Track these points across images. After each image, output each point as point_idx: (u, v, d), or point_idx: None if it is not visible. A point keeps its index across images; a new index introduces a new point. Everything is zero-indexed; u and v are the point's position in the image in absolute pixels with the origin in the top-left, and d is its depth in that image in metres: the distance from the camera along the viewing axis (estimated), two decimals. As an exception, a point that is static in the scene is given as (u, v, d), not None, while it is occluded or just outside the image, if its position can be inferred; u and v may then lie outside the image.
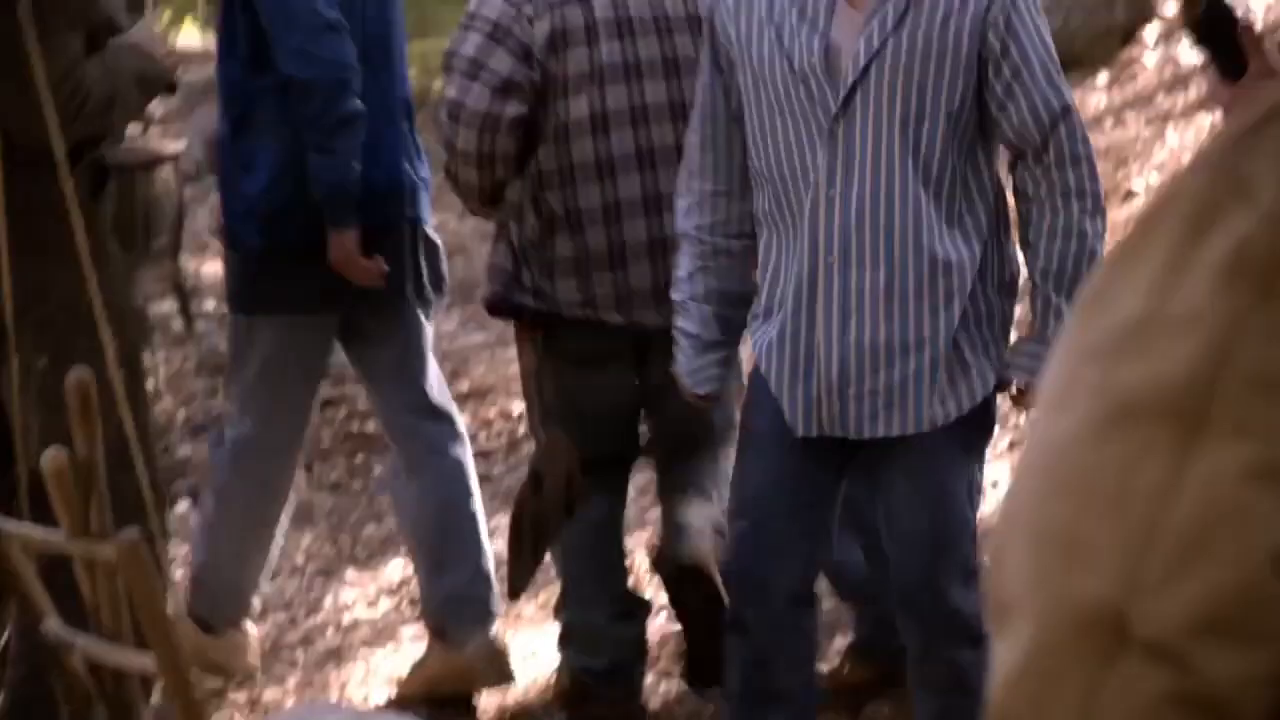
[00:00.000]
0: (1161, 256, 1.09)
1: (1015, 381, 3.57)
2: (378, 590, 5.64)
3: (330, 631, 5.43)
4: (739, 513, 3.66)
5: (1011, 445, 5.65)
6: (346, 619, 5.52)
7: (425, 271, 4.63)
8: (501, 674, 4.61)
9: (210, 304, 7.88)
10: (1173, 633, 1.04)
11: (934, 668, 3.61)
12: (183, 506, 6.23)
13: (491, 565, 4.67)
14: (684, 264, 3.73)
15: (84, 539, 3.08)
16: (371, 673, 5.13)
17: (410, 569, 5.54)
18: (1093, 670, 1.06)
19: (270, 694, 5.04)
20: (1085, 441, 1.08)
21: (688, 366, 3.74)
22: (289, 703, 4.94)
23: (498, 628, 4.67)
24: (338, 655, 5.27)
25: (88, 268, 3.16)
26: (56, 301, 3.68)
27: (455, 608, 4.61)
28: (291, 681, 5.11)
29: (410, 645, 5.17)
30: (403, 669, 5.07)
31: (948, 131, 3.45)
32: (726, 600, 3.71)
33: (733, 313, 3.72)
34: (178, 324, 7.67)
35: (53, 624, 3.22)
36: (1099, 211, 3.53)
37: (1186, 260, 1.08)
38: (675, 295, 3.75)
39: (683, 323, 3.73)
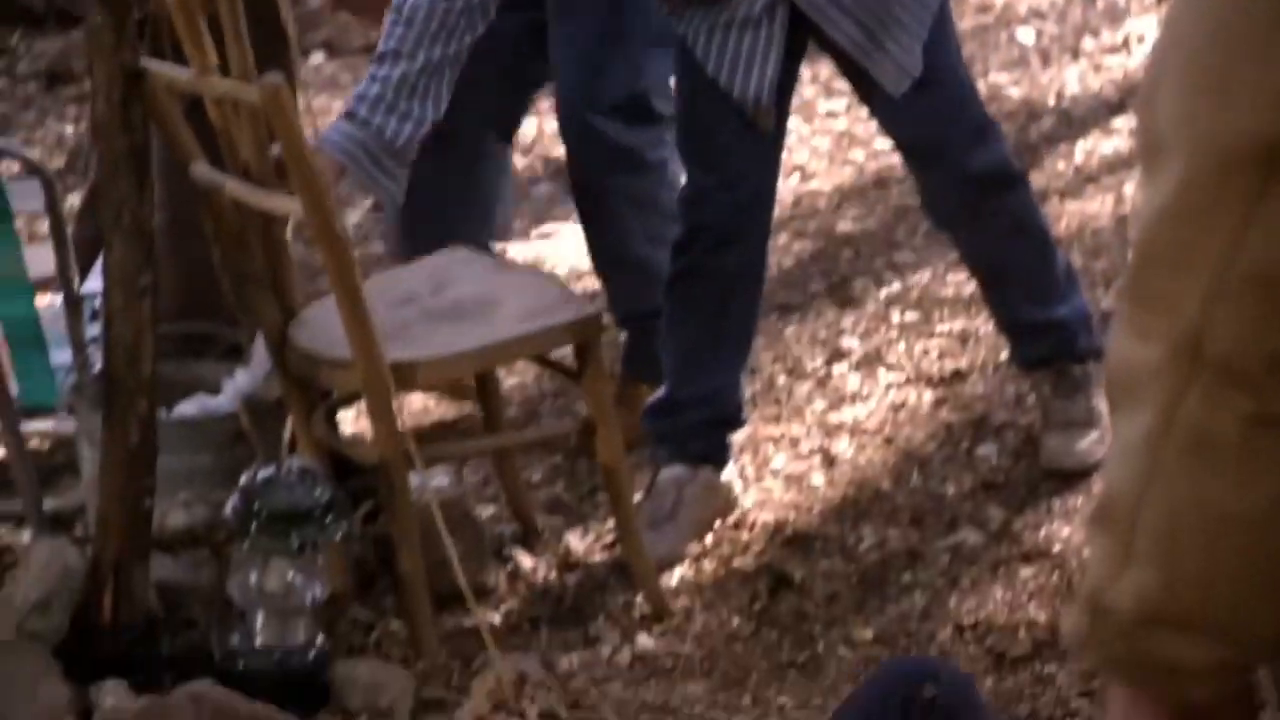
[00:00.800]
0: None
1: None
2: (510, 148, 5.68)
3: (466, 186, 5.49)
4: (708, 167, 3.59)
5: None
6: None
7: None
8: None
9: None
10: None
11: (985, 222, 3.63)
12: (317, 58, 6.26)
13: None
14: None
15: (228, 81, 3.11)
16: (509, 226, 5.21)
17: (539, 125, 5.57)
18: (1242, 206, 1.06)
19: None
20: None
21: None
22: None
23: None
24: (474, 209, 5.34)
25: None
26: None
27: None
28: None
29: (539, 199, 5.23)
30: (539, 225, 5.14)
31: None
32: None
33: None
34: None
35: (201, 166, 3.28)
36: None
37: None
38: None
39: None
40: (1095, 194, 4.71)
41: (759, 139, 3.57)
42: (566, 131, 3.91)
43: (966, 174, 3.58)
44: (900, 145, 3.70)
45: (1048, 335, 3.74)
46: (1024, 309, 3.74)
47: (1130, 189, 4.69)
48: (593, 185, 3.91)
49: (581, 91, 3.84)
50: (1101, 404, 3.72)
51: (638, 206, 3.86)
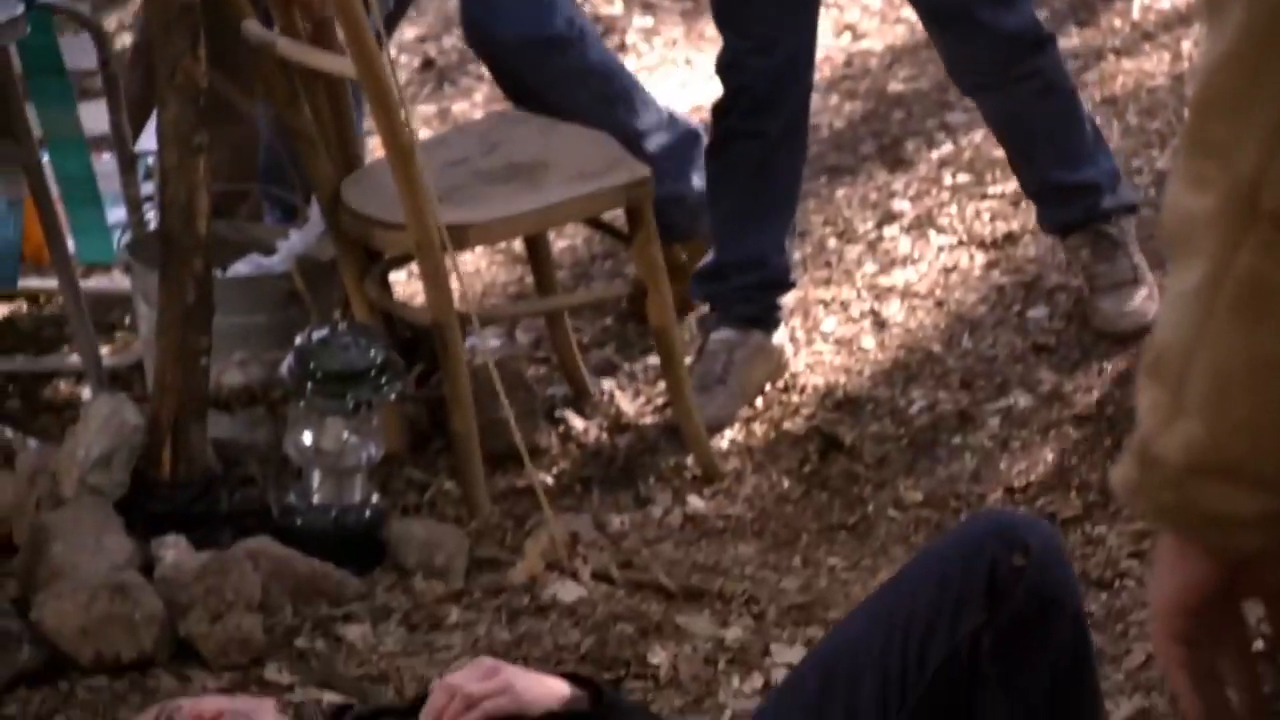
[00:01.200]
0: None
1: None
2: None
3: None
4: (742, 32, 3.58)
5: None
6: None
7: None
8: None
9: None
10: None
11: (1016, 86, 3.60)
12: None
13: None
14: None
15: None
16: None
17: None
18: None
19: (459, 107, 5.14)
20: None
21: None
22: (476, 114, 5.03)
23: None
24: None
25: None
26: None
27: None
28: (479, 96, 5.20)
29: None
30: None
31: None
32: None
33: None
34: None
35: (252, 25, 3.28)
36: None
37: None
38: None
39: None
40: (1152, 51, 4.66)
41: (794, 1, 3.54)
42: (485, 53, 3.83)
43: (997, 36, 3.54)
44: (926, 10, 3.64)
45: (1077, 198, 3.72)
46: (1053, 173, 3.72)
47: (1188, 46, 4.64)
48: (533, 87, 3.79)
49: (486, 13, 3.74)
50: (1143, 259, 3.71)
51: (578, 79, 3.78)
